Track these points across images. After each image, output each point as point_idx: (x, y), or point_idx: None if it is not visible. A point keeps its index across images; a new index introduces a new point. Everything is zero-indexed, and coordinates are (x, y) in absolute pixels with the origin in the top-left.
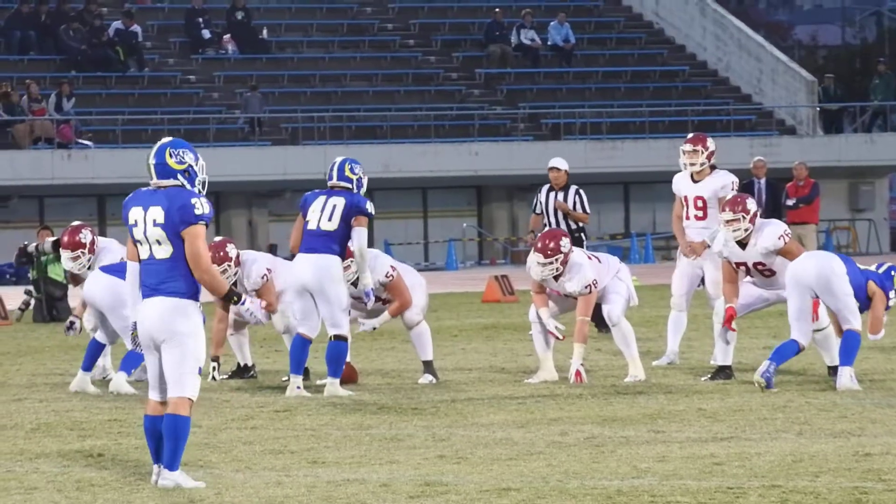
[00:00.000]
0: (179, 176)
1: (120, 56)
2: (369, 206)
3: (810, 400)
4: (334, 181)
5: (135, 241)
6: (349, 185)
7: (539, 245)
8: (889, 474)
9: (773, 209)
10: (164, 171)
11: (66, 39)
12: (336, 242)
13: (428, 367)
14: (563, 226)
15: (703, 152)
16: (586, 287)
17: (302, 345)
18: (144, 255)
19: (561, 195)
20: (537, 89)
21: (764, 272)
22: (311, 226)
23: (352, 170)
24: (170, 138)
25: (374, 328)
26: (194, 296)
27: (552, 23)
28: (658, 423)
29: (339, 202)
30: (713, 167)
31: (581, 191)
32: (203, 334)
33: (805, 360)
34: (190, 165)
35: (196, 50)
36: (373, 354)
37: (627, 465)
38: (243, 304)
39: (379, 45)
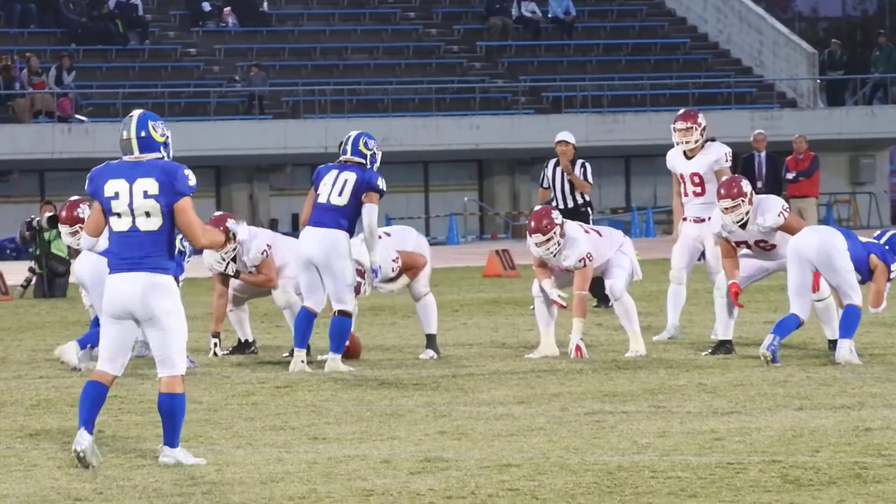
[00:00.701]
0: (162, 149)
1: (120, 29)
2: (381, 183)
3: (811, 375)
4: (348, 156)
5: (110, 214)
6: (362, 161)
7: (533, 226)
8: (889, 449)
9: (773, 183)
10: (148, 144)
11: (67, 12)
12: (345, 217)
13: (431, 341)
14: (569, 200)
15: (696, 129)
16: (580, 261)
17: (307, 318)
18: (123, 227)
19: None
20: (538, 62)
21: (765, 247)
22: (322, 199)
23: (366, 145)
24: (140, 111)
25: (392, 291)
26: (173, 269)
27: None
28: (658, 399)
29: (351, 177)
30: (709, 139)
31: (587, 164)
32: (182, 308)
33: (805, 335)
34: (168, 138)
35: (196, 23)
36: (374, 330)
37: (628, 440)
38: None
39: (380, 18)
